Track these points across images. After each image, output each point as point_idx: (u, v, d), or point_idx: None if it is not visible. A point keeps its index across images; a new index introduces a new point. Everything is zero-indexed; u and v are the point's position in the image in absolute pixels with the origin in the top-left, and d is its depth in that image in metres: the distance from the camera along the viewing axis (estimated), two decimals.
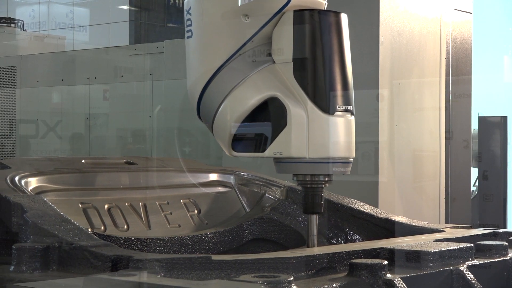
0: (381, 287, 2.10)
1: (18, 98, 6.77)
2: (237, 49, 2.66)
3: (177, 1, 15.65)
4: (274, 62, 2.67)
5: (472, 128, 5.70)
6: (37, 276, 2.21)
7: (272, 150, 2.59)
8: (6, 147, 6.72)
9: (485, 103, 6.38)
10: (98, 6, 11.72)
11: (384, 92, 4.77)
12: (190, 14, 2.73)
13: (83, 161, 3.04)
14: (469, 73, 5.24)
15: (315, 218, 2.76)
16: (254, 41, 2.67)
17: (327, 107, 2.60)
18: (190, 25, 2.73)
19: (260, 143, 2.62)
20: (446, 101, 5.12)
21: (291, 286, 1.92)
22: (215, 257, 2.20)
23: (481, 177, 6.09)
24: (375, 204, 3.38)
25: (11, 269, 2.27)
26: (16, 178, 2.63)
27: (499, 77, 9.04)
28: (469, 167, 5.59)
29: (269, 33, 2.67)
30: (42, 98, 6.83)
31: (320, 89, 2.63)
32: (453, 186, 5.26)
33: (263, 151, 2.61)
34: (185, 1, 2.78)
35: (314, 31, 2.65)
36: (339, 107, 2.63)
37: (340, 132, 2.67)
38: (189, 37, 2.74)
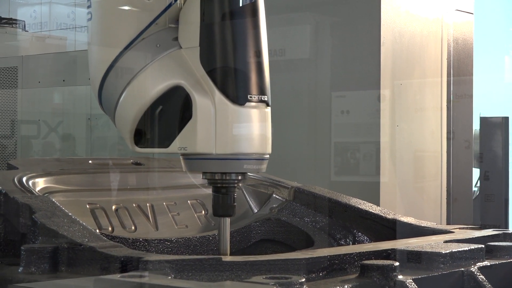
0: None
1: (19, 99, 6.76)
2: (139, 32, 2.53)
3: None
4: (180, 47, 2.54)
5: (474, 128, 5.70)
6: (46, 277, 2.19)
7: (176, 146, 2.46)
8: (8, 148, 6.70)
9: (486, 103, 6.38)
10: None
11: (385, 92, 4.77)
12: None
13: (90, 161, 3.03)
14: (471, 74, 5.24)
15: (227, 221, 2.60)
16: (159, 23, 2.55)
17: (236, 98, 2.45)
18: (90, 6, 2.59)
19: (163, 137, 2.51)
20: (447, 102, 5.13)
21: (302, 287, 1.91)
22: (225, 259, 2.19)
23: (483, 177, 6.09)
24: (377, 205, 3.37)
25: (19, 270, 2.26)
26: (24, 179, 2.62)
27: (500, 78, 9.05)
28: (470, 168, 5.59)
29: (176, 15, 2.55)
30: (43, 98, 6.82)
31: (229, 77, 2.50)
32: (454, 186, 5.26)
33: (167, 146, 2.47)
34: None
35: (224, 13, 2.51)
36: (251, 97, 2.47)
37: (253, 125, 2.52)
38: (89, 19, 2.60)
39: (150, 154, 2.79)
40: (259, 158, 2.55)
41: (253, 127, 2.52)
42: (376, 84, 4.73)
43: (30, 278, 2.18)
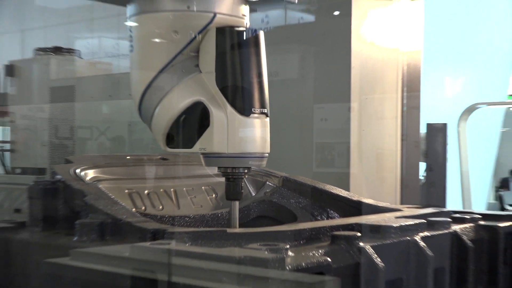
0: (355, 253, 2.11)
1: (76, 110, 6.76)
2: (169, 60, 2.55)
3: None
4: (200, 72, 2.56)
5: (421, 132, 5.70)
6: (94, 244, 2.21)
7: (197, 147, 2.50)
8: (68, 147, 6.72)
9: (431, 113, 6.38)
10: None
11: (354, 105, 4.77)
12: (131, 32, 2.64)
13: (128, 157, 3.04)
14: (419, 90, 5.24)
15: (237, 204, 2.69)
16: (184, 53, 2.55)
17: (243, 110, 2.49)
18: (132, 41, 2.63)
19: (188, 140, 2.53)
20: (401, 112, 5.12)
21: (287, 252, 1.93)
22: (229, 231, 2.20)
23: (428, 169, 6.12)
24: (347, 190, 3.37)
25: (74, 239, 2.28)
26: (77, 171, 2.63)
27: (442, 92, 9.07)
28: (418, 162, 5.59)
29: (196, 46, 2.56)
30: (94, 110, 6.82)
31: (237, 95, 2.51)
32: (406, 176, 5.27)
33: (191, 147, 2.52)
34: (127, 22, 2.67)
35: (233, 45, 2.53)
36: (254, 110, 2.51)
37: (255, 131, 2.55)
38: (131, 51, 2.65)
39: (177, 153, 2.78)
40: (260, 156, 2.59)
41: (256, 133, 2.54)
42: (347, 98, 4.74)
43: (82, 245, 2.20)
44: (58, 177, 2.56)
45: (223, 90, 2.47)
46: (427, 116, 5.89)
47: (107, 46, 11.24)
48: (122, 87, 6.33)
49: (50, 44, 8.10)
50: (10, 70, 7.78)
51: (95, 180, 2.67)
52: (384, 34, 4.91)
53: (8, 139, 7.84)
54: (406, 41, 5.09)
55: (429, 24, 5.43)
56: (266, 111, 2.56)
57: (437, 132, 6.30)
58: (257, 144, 2.55)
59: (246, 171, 2.62)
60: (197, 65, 2.55)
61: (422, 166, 5.95)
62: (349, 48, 4.59)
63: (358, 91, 4.75)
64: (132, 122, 6.22)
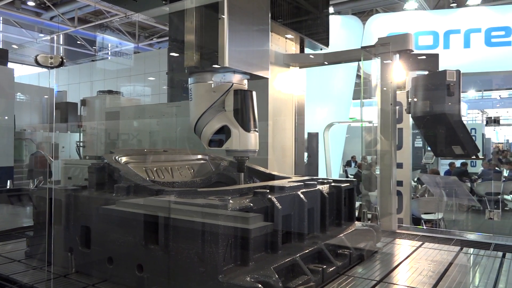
0: (266, 201, 2.09)
1: (120, 124, 6.55)
2: (210, 105, 2.61)
3: None
4: (225, 110, 2.62)
5: (305, 136, 5.72)
6: (124, 198, 2.13)
7: (225, 147, 2.58)
8: (115, 144, 6.51)
9: (310, 126, 6.40)
10: (154, 85, 11.38)
11: (270, 122, 4.71)
12: (190, 89, 2.68)
13: (145, 150, 2.95)
14: (303, 115, 5.22)
15: (242, 174, 2.75)
16: (217, 102, 2.62)
17: (247, 129, 2.59)
18: (191, 94, 2.68)
19: (220, 143, 2.58)
20: (295, 126, 5.11)
21: (229, 201, 1.90)
22: (200, 190, 2.16)
23: (308, 156, 6.17)
24: (266, 168, 3.35)
25: (113, 195, 2.19)
26: (116, 157, 2.54)
27: (315, 116, 9.13)
28: (303, 153, 5.60)
29: (224, 98, 2.63)
30: (130, 124, 6.59)
31: (244, 121, 2.59)
32: (297, 160, 5.26)
33: (221, 147, 2.59)
34: (189, 85, 2.71)
35: (241, 98, 2.61)
36: (251, 129, 2.61)
37: (252, 139, 2.62)
38: (190, 99, 2.68)
39: (215, 151, 2.77)
40: (253, 151, 2.66)
41: (252, 140, 2.63)
42: (266, 118, 4.70)
43: (117, 199, 2.12)
44: (106, 161, 2.46)
45: (237, 119, 2.59)
46: (308, 128, 5.90)
47: (138, 90, 11.07)
48: (146, 112, 6.18)
49: (106, 89, 7.98)
50: (84, 102, 7.80)
51: (126, 162, 2.56)
52: (285, 85, 4.91)
53: (82, 139, 7.73)
54: (297, 89, 5.09)
55: (309, 80, 5.45)
56: (257, 130, 2.68)
57: (313, 137, 6.37)
58: (252, 145, 2.64)
59: (247, 158, 2.70)
60: (224, 107, 2.63)
61: (305, 155, 6.01)
62: (267, 93, 4.56)
63: (272, 114, 4.72)
64: (151, 131, 6.06)
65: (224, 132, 2.57)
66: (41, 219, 2.48)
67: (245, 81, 2.74)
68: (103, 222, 2.14)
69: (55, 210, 2.33)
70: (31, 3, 13.32)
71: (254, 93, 2.68)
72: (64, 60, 2.53)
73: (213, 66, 2.48)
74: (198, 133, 2.63)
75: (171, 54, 2.75)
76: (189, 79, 2.69)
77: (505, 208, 8.51)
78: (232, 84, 2.62)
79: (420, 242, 3.09)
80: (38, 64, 2.30)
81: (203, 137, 2.60)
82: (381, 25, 10.15)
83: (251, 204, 1.97)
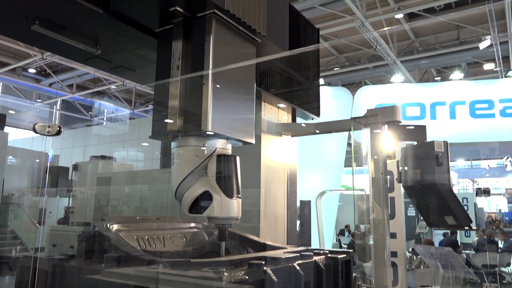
0: (261, 273, 2.03)
1: (111, 190, 6.49)
2: (191, 170, 2.53)
3: None
4: (208, 176, 2.54)
5: (297, 204, 5.63)
6: (115, 267, 2.06)
7: (206, 214, 2.47)
8: (104, 210, 6.38)
9: (302, 194, 6.34)
10: (148, 150, 11.45)
11: (262, 189, 4.66)
12: (173, 154, 2.63)
13: (137, 217, 2.90)
14: (296, 182, 5.17)
15: (223, 243, 2.65)
16: (200, 167, 2.54)
17: (229, 195, 2.49)
18: (173, 158, 2.62)
19: (200, 210, 2.48)
20: (287, 193, 5.04)
21: (223, 272, 1.85)
22: (193, 261, 2.10)
23: (301, 225, 6.06)
24: (258, 236, 3.30)
25: (103, 265, 2.12)
26: (107, 225, 2.48)
27: (307, 184, 9.14)
28: (296, 221, 5.47)
29: (206, 163, 2.57)
30: (121, 190, 6.53)
31: (226, 187, 2.51)
32: (289, 228, 5.15)
33: (202, 213, 2.48)
34: (172, 149, 2.65)
35: (224, 163, 2.55)
36: (234, 195, 2.52)
37: (234, 206, 2.54)
38: (173, 164, 2.62)
39: (194, 217, 2.67)
40: (236, 218, 2.56)
41: (234, 207, 2.52)
42: (258, 186, 4.65)
43: (107, 268, 2.05)
44: (96, 228, 2.41)
45: (219, 185, 2.49)
46: (300, 195, 5.87)
47: (130, 155, 11.13)
48: (138, 178, 6.15)
49: (100, 153, 8.01)
50: (76, 167, 7.77)
51: (117, 230, 2.50)
52: (277, 154, 4.96)
53: (71, 204, 7.60)
54: (289, 157, 5.13)
55: (301, 148, 5.53)
56: (240, 196, 2.57)
57: (305, 205, 6.30)
58: (235, 212, 2.53)
59: (229, 226, 2.59)
60: (206, 172, 2.54)
61: (298, 223, 5.90)
62: (259, 161, 4.59)
63: (264, 182, 4.71)
64: (142, 197, 5.99)
65: (205, 198, 2.48)
66: None
67: (229, 146, 2.69)
68: None
69: (38, 281, 2.23)
70: (32, 70, 13.75)
71: (237, 158, 2.62)
72: (62, 130, 2.55)
73: (196, 130, 2.47)
74: (179, 198, 2.53)
75: (155, 119, 2.68)
76: (172, 143, 2.64)
77: (503, 282, 8.27)
78: (216, 149, 2.55)
79: None
80: (36, 132, 2.34)
81: (184, 202, 2.50)
82: (370, 96, 10.57)
83: (246, 277, 1.91)
